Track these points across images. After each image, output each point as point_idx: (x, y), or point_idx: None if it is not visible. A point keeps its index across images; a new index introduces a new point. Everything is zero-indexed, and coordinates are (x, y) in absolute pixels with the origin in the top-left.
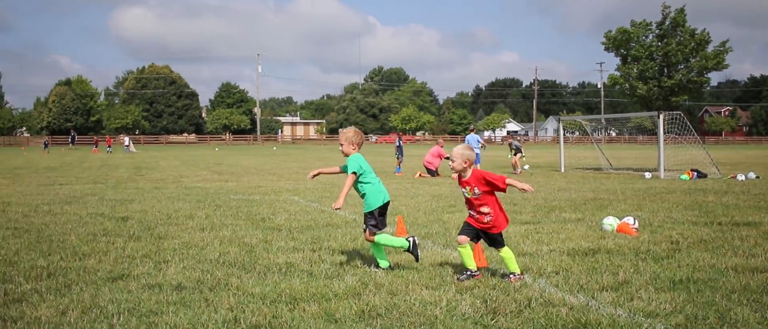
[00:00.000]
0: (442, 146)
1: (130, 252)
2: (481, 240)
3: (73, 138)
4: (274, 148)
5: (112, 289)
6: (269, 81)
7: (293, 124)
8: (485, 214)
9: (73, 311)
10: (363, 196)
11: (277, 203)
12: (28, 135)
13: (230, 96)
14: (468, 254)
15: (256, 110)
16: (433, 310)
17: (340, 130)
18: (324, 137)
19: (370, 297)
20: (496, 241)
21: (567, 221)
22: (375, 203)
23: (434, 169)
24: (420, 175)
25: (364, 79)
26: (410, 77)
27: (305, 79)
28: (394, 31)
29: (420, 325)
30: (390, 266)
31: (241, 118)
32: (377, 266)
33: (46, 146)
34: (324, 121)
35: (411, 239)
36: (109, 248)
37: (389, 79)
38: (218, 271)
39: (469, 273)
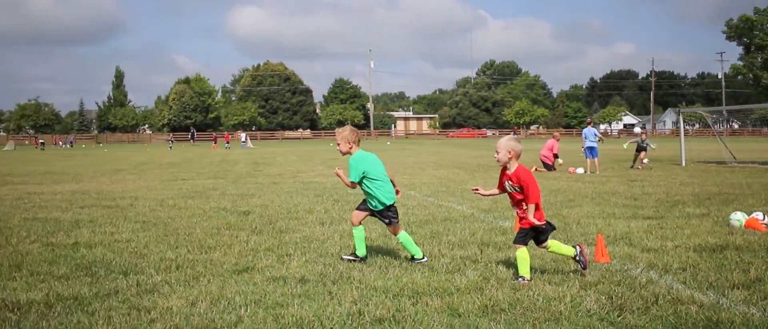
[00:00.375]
0: (557, 140)
1: (253, 245)
2: (602, 236)
3: (192, 135)
4: (388, 143)
5: (238, 281)
6: (381, 76)
7: (406, 119)
8: (526, 210)
9: (202, 302)
10: (370, 195)
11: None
12: (151, 132)
13: (343, 92)
14: (557, 246)
15: (369, 105)
16: (558, 306)
17: (336, 129)
18: (437, 132)
19: (492, 291)
20: (517, 237)
21: (691, 217)
22: (388, 200)
23: (551, 163)
24: (536, 169)
25: (476, 74)
26: (523, 70)
27: (417, 73)
28: (505, 25)
29: (545, 321)
30: (424, 257)
31: (354, 113)
32: (412, 259)
33: (170, 144)
34: (436, 115)
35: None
36: (233, 241)
37: (501, 73)
38: (340, 265)
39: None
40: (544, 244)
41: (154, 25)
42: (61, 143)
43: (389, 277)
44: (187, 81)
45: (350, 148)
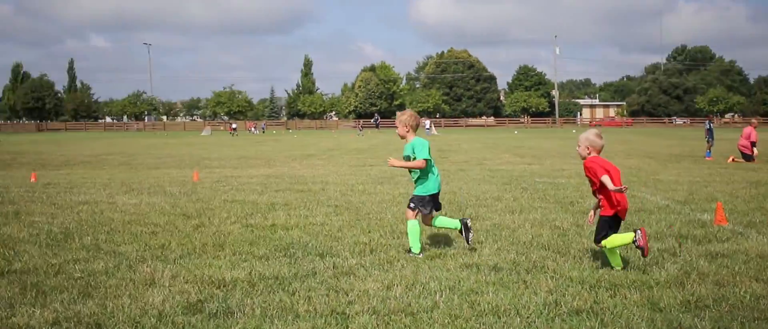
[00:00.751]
0: (755, 127)
1: (444, 231)
2: None
3: (376, 121)
4: (573, 131)
5: (431, 267)
6: (567, 63)
7: (592, 106)
8: (599, 199)
9: (397, 286)
10: (418, 180)
11: (583, 187)
12: (337, 119)
13: (528, 79)
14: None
15: (554, 92)
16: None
17: (397, 113)
18: (627, 121)
19: (694, 286)
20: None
21: None
22: (431, 189)
23: (750, 153)
24: (733, 160)
25: (666, 59)
26: (717, 56)
27: (603, 60)
28: (698, 7)
29: (753, 320)
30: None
31: (539, 101)
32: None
33: (360, 130)
34: (624, 103)
35: (464, 221)
36: (424, 227)
37: (693, 59)
38: (533, 253)
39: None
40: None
41: (341, 14)
42: (253, 129)
43: (584, 268)
44: (372, 69)
45: (408, 132)
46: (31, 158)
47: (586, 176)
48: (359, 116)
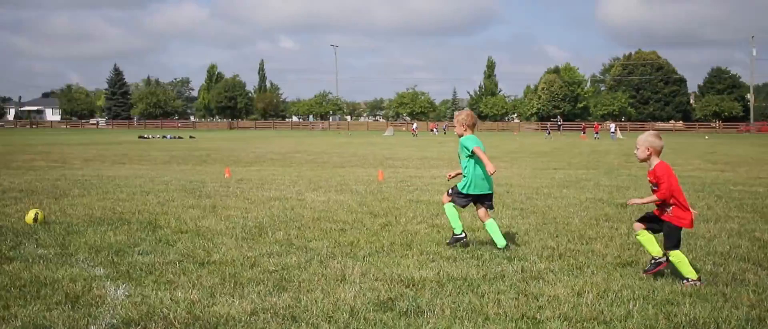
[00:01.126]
0: None
1: (634, 239)
2: None
3: (559, 124)
4: None
5: (622, 275)
6: (764, 64)
7: None
8: (666, 208)
9: (588, 293)
10: (465, 173)
11: None
12: (519, 121)
13: (720, 82)
14: (647, 240)
15: (750, 96)
16: None
17: (455, 113)
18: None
19: None
20: (666, 236)
21: None
22: (472, 190)
23: None
24: None
25: None
26: None
27: None
28: None
29: None
30: (506, 245)
31: (732, 105)
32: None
33: (548, 132)
34: None
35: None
36: (613, 233)
37: None
38: (732, 265)
39: (653, 260)
40: (642, 227)
41: (526, 15)
42: (434, 130)
43: None
44: (556, 70)
45: (465, 131)
46: (224, 154)
47: (652, 182)
48: (541, 119)
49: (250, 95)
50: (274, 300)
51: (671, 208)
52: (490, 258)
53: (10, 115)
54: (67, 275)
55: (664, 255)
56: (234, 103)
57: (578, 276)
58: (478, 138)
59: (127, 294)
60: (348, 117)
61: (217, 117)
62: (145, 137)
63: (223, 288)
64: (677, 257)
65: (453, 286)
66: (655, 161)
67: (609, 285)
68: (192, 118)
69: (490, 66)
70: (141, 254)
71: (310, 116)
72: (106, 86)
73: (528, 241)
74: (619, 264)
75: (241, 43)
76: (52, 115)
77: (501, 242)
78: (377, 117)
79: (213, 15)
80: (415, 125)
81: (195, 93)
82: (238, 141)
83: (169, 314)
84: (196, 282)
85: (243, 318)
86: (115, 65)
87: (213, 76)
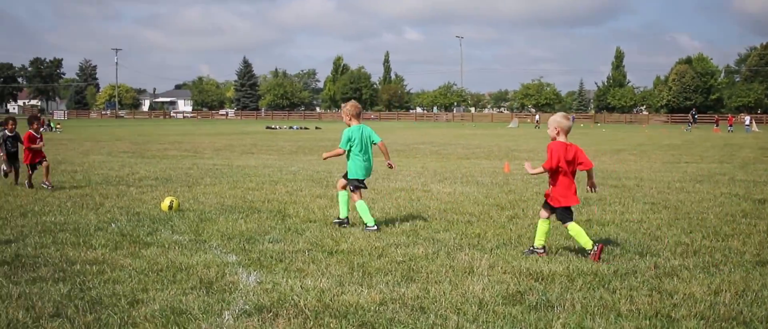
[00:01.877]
0: None
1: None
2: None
3: (693, 117)
4: None
5: (762, 274)
6: None
7: None
8: (550, 185)
9: (725, 292)
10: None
11: None
12: (647, 113)
13: None
14: (576, 232)
15: None
16: None
17: (341, 104)
18: None
19: None
20: (559, 216)
21: None
22: (353, 176)
23: None
24: None
25: None
26: None
27: None
28: None
29: None
30: (376, 225)
31: None
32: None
33: (689, 125)
34: None
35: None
36: (752, 230)
37: None
38: None
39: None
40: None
41: (656, 4)
42: None
43: None
44: (688, 61)
45: (350, 121)
46: None
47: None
48: (671, 111)
49: (374, 86)
50: (403, 290)
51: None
52: (621, 253)
53: (145, 106)
54: (201, 261)
55: (595, 242)
56: (359, 94)
57: (714, 274)
58: (361, 128)
59: (258, 280)
60: (472, 108)
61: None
62: (273, 128)
63: (351, 277)
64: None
65: (583, 281)
66: (560, 139)
67: (748, 284)
68: (318, 109)
69: (619, 56)
70: (271, 242)
71: (434, 108)
72: (235, 77)
73: (660, 237)
74: (758, 262)
75: (367, 34)
76: (183, 106)
77: (370, 221)
78: (501, 109)
79: (339, 7)
80: (537, 117)
81: (321, 84)
82: None
83: (299, 301)
84: (325, 270)
85: (372, 308)
86: (244, 58)
87: (339, 67)
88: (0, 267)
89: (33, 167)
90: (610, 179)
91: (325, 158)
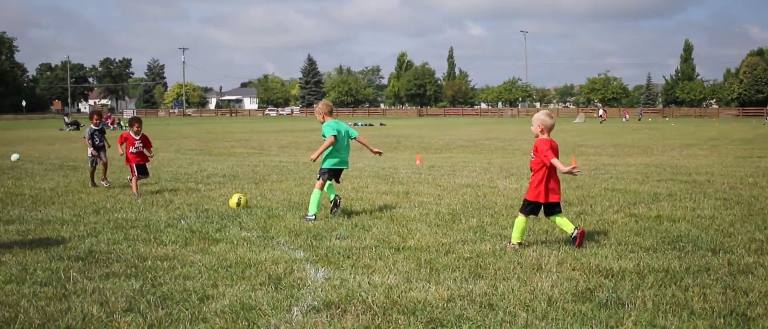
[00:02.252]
0: None
1: None
2: None
3: None
4: None
5: None
6: None
7: None
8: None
9: None
10: (327, 156)
11: None
12: (718, 107)
13: None
14: (560, 221)
15: None
16: None
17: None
18: None
19: None
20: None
21: None
22: (326, 165)
23: None
24: None
25: None
26: None
27: None
28: None
29: None
30: (315, 216)
31: None
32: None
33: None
34: None
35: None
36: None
37: None
38: None
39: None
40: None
41: None
42: (626, 116)
43: None
44: (760, 53)
45: (323, 118)
46: (414, 141)
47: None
48: (742, 104)
49: (438, 82)
50: (471, 287)
51: (532, 182)
52: (693, 250)
53: (212, 104)
54: (270, 257)
55: (576, 227)
56: (423, 90)
57: None
58: (337, 123)
59: (326, 277)
60: (537, 104)
61: (406, 104)
62: None
63: (419, 273)
64: (518, 221)
65: (654, 278)
66: (543, 136)
67: None
68: (382, 105)
69: (687, 49)
70: (338, 238)
71: (499, 103)
72: (300, 75)
73: (733, 233)
74: None
75: (430, 31)
76: (249, 103)
77: (312, 210)
78: (567, 103)
79: (403, 4)
80: (601, 111)
81: (385, 81)
82: (428, 128)
83: (367, 298)
84: (392, 267)
85: (440, 304)
86: (308, 55)
87: (402, 64)
88: (74, 262)
89: (140, 168)
90: (680, 174)
91: (313, 159)
